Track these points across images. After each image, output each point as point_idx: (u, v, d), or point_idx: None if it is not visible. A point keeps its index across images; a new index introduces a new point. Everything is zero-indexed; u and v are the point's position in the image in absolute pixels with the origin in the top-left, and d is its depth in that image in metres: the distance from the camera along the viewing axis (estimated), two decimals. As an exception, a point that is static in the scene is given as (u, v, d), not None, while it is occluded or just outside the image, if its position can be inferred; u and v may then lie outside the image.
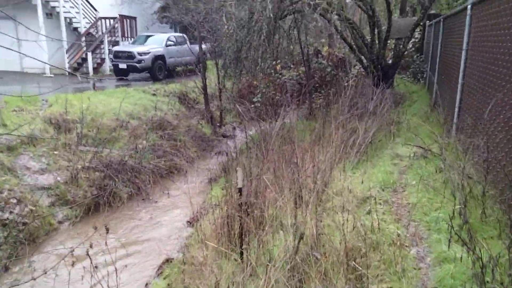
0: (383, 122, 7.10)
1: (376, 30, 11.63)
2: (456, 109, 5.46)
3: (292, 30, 12.27)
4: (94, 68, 17.37)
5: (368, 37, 11.47)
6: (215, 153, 8.60)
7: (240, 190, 3.94)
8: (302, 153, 6.60)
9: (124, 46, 17.08)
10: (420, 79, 12.10)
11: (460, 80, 5.32)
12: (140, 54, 15.41)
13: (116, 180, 6.82)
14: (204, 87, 12.42)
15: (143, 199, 7.19)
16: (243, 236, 3.90)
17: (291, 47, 14.07)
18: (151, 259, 5.27)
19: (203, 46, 13.16)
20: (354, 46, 11.31)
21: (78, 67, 17.54)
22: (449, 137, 5.53)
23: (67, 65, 16.97)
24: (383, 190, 4.32)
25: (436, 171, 4.54)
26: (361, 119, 7.10)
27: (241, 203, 3.99)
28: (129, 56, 15.40)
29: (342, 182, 4.85)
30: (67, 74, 16.97)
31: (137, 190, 7.28)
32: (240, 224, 3.90)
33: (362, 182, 4.69)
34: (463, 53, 5.19)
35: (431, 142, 5.81)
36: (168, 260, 4.94)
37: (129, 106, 9.43)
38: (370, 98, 7.85)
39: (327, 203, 4.39)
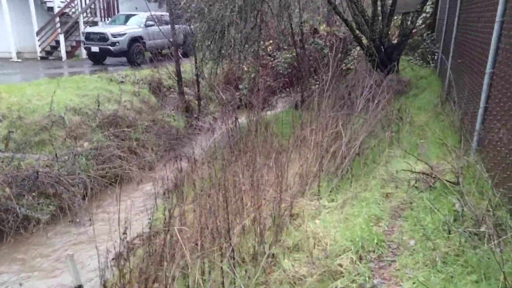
0: (379, 120, 5.37)
1: (379, 3, 9.75)
2: (480, 111, 3.73)
3: (282, 5, 10.45)
4: (68, 52, 15.74)
5: (369, 12, 9.60)
6: (174, 157, 7.00)
7: None
8: (271, 163, 4.98)
9: (97, 27, 15.35)
10: (431, 62, 10.23)
11: (488, 68, 3.58)
12: (114, 35, 13.70)
13: (29, 197, 5.28)
14: (178, 73, 10.74)
15: (70, 221, 5.66)
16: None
17: (282, 25, 12.26)
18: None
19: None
20: (352, 23, 9.47)
21: (52, 50, 15.92)
22: (467, 153, 3.83)
23: (38, 49, 15.39)
24: (360, 257, 2.65)
25: (447, 224, 2.84)
26: (350, 117, 5.38)
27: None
28: (102, 38, 13.70)
29: (307, 225, 3.22)
30: (39, 59, 15.42)
31: (66, 208, 5.75)
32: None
33: (336, 229, 3.06)
34: (496, 27, 3.42)
35: (441, 156, 4.12)
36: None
37: (76, 99, 7.82)
38: (364, 87, 6.10)
39: (275, 269, 2.78)
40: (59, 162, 6.15)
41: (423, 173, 3.58)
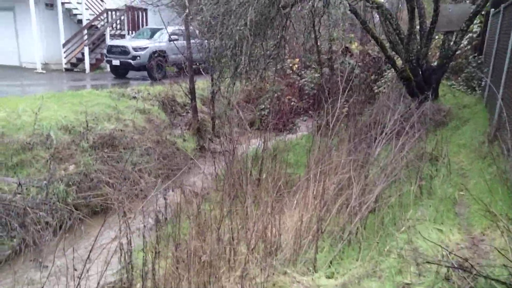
0: (405, 165, 4.23)
1: (416, 20, 8.59)
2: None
3: (309, 20, 9.53)
4: (92, 65, 15.61)
5: (405, 30, 8.45)
6: (168, 188, 6.14)
7: None
8: (262, 210, 3.99)
9: (119, 40, 15.10)
10: (476, 89, 8.85)
11: None
12: (135, 49, 13.34)
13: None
14: (192, 90, 10.01)
15: (31, 260, 4.90)
16: None
17: (309, 42, 11.32)
18: None
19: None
20: (383, 42, 8.36)
21: (78, 63, 15.88)
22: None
23: (64, 61, 15.36)
24: None
25: None
26: (367, 158, 4.27)
27: None
28: (123, 51, 13.38)
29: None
30: (64, 70, 15.38)
31: (32, 243, 5.00)
32: None
33: None
34: None
35: (488, 222, 2.97)
36: None
37: (71, 116, 7.22)
38: (389, 120, 4.99)
39: None
40: (35, 188, 5.46)
41: (459, 266, 2.43)
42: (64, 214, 5.41)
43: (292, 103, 13.05)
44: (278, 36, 8.48)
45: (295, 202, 4.04)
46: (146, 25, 17.88)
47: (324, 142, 6.36)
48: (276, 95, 13.18)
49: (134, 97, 10.41)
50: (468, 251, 2.91)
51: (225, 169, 6.39)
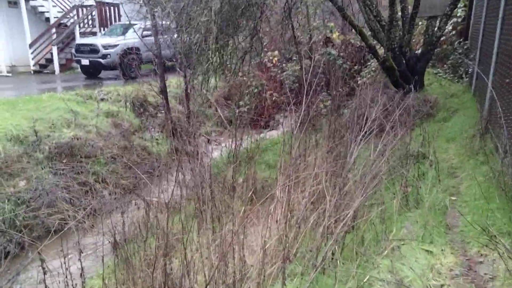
0: (388, 170, 3.70)
1: (398, 6, 8.07)
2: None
3: (284, 8, 8.93)
4: (62, 65, 14.78)
5: (386, 17, 7.91)
6: (130, 201, 5.55)
7: None
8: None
9: (88, 38, 14.28)
10: (463, 76, 8.39)
11: None
12: (105, 47, 12.58)
13: None
14: (163, 89, 9.36)
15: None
16: None
17: (287, 34, 10.73)
18: None
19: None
20: (363, 30, 7.82)
21: (47, 64, 15.01)
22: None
23: (32, 62, 14.50)
24: None
25: None
26: (344, 164, 3.73)
27: None
28: (92, 50, 12.61)
29: None
30: (32, 73, 14.52)
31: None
32: None
33: None
34: None
35: (485, 243, 2.46)
36: None
37: (25, 124, 6.54)
38: (371, 112, 4.46)
39: None
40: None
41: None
42: (10, 239, 4.78)
43: (274, 98, 12.47)
44: (251, 28, 7.88)
45: (263, 219, 3.50)
46: (119, 21, 17.06)
47: (303, 140, 5.83)
48: (256, 90, 12.59)
49: (103, 99, 9.73)
50: (465, 279, 2.40)
51: (192, 177, 5.80)
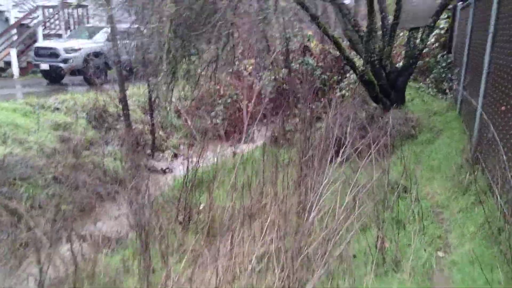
0: (360, 212, 2.98)
1: (378, 16, 7.47)
2: None
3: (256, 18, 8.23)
4: (23, 68, 13.70)
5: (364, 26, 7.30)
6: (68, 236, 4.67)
7: None
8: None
9: (48, 41, 13.24)
10: (447, 92, 7.85)
11: None
12: (67, 51, 11.61)
13: None
14: (123, 98, 8.48)
15: None
16: None
17: (261, 42, 10.04)
18: None
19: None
20: (339, 40, 7.17)
21: (6, 67, 13.90)
22: None
23: (-12, 65, 13.40)
24: None
25: None
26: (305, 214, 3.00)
27: None
28: (53, 53, 11.61)
29: None
30: (-12, 76, 13.39)
31: None
32: None
33: None
34: None
35: None
36: None
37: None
38: (345, 133, 3.76)
39: None
40: None
41: None
42: None
43: (249, 109, 11.74)
44: (219, 36, 7.13)
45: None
46: (88, 23, 16.06)
47: (274, 161, 5.10)
48: (231, 99, 11.86)
49: (57, 109, 8.80)
50: None
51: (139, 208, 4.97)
